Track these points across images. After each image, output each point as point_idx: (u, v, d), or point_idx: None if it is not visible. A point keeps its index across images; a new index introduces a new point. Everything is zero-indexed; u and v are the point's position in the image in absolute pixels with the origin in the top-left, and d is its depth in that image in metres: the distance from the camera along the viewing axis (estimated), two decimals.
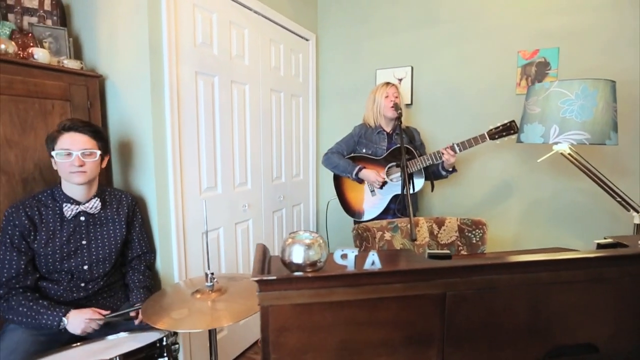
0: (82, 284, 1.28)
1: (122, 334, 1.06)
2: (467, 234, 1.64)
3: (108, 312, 1.20)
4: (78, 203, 1.28)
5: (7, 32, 1.39)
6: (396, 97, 2.00)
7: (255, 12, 2.05)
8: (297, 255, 0.74)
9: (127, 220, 1.40)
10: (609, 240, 0.96)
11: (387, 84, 2.04)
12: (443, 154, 1.83)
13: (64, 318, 1.12)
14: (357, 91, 2.63)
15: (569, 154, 1.47)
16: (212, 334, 1.03)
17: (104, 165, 1.35)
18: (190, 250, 1.69)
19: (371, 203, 2.05)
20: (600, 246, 0.96)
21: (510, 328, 0.80)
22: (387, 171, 1.98)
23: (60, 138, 1.20)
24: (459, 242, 1.64)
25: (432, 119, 2.41)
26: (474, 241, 1.62)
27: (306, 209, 2.72)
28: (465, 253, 1.60)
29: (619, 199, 1.41)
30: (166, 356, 0.91)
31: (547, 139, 1.41)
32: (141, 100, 1.53)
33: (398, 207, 1.99)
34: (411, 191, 1.93)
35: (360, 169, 1.98)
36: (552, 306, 0.81)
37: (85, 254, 1.29)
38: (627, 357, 0.85)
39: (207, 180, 1.79)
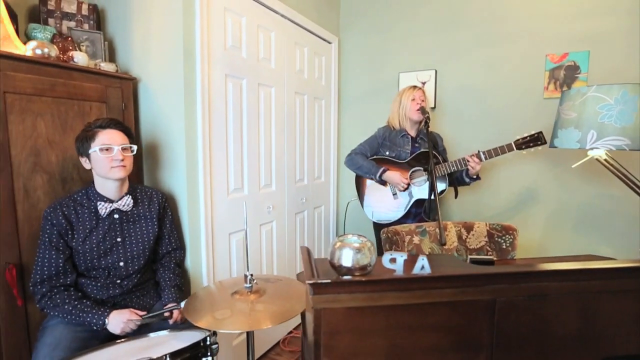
0: (118, 281, 1.31)
1: (163, 332, 1.08)
2: (496, 239, 1.62)
3: (144, 313, 1.23)
4: (111, 201, 1.31)
5: (49, 36, 1.43)
6: (422, 101, 1.99)
7: (282, 15, 2.07)
8: (347, 259, 0.75)
9: (158, 217, 1.43)
10: None
11: (414, 87, 2.04)
12: (468, 161, 1.82)
13: (105, 319, 1.16)
14: (378, 94, 2.63)
15: (605, 159, 1.44)
16: (249, 335, 1.04)
17: None
18: (217, 250, 1.71)
19: (393, 206, 2.04)
20: None
21: (559, 336, 0.79)
22: (410, 175, 1.98)
23: (99, 135, 1.23)
24: (488, 248, 1.62)
25: (456, 124, 2.39)
26: (504, 247, 1.60)
27: (327, 211, 2.72)
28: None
29: None
30: (209, 355, 0.92)
31: (583, 145, 1.38)
32: (174, 102, 1.56)
33: (422, 211, 1.99)
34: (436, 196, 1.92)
35: (384, 171, 1.98)
36: (603, 315, 0.79)
37: (120, 251, 1.31)
38: None
39: (234, 181, 1.81)
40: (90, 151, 1.23)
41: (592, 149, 1.41)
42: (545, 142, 1.73)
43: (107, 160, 1.22)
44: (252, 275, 0.98)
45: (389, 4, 2.54)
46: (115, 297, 1.30)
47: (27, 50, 1.29)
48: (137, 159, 1.58)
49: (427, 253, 1.56)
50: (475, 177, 1.90)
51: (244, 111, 1.85)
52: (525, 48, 2.15)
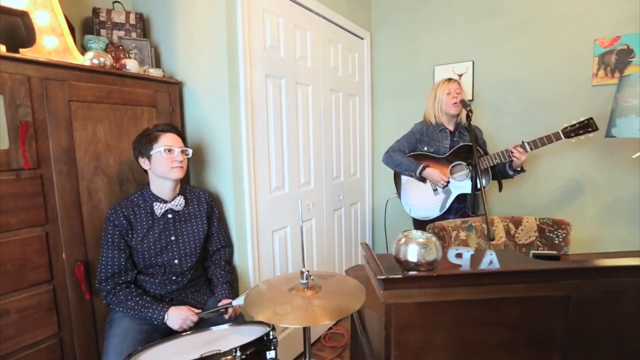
0: (174, 277, 1.37)
1: (224, 326, 1.13)
2: (548, 234, 1.56)
3: (199, 310, 1.29)
4: (165, 201, 1.37)
5: (103, 46, 1.51)
6: (458, 94, 1.94)
7: (316, 13, 2.08)
8: (412, 254, 0.75)
9: (207, 216, 1.48)
10: None
11: (449, 80, 1.99)
12: (513, 152, 1.75)
13: (165, 314, 1.22)
14: (413, 89, 2.59)
15: None
16: (306, 331, 1.06)
17: None
18: (261, 247, 1.75)
19: (432, 202, 2.01)
20: None
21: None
22: (450, 169, 1.94)
23: (162, 137, 1.31)
24: (538, 243, 1.56)
25: (495, 116, 2.32)
26: (557, 242, 1.54)
27: (362, 207, 2.72)
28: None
29: None
30: (273, 349, 0.95)
31: None
32: (218, 104, 1.60)
33: (465, 206, 1.94)
34: (479, 190, 1.87)
35: (424, 168, 1.95)
36: None
37: (174, 249, 1.37)
38: None
39: (275, 179, 1.84)
40: (152, 152, 1.29)
41: None
42: (597, 129, 1.63)
43: (168, 161, 1.29)
44: (308, 271, 0.99)
45: None
46: (172, 292, 1.36)
47: (85, 60, 1.37)
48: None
49: (502, 249, 1.52)
50: (519, 169, 1.83)
51: (284, 110, 1.88)
52: (570, 34, 2.05)
